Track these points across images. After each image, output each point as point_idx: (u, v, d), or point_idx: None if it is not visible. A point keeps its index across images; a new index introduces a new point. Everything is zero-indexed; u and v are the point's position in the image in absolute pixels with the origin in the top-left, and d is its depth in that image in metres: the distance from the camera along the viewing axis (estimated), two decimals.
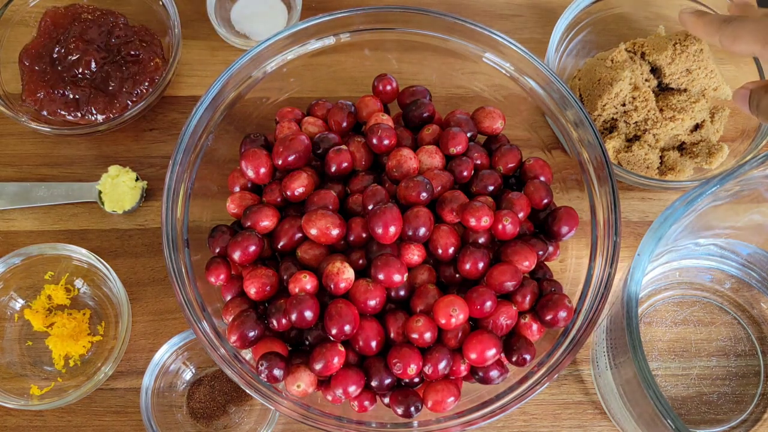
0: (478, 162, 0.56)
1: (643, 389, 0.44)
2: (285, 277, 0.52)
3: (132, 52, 0.65)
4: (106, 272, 0.59)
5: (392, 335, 0.50)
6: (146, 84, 0.64)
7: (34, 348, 0.60)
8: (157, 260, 0.63)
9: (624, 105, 0.65)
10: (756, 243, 0.60)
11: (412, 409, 0.49)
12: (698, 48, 0.64)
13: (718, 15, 0.57)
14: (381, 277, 0.49)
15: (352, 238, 0.52)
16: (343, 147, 0.55)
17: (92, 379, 0.57)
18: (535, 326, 0.51)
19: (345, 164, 0.54)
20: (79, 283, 0.62)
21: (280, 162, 0.54)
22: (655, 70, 0.66)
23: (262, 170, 0.54)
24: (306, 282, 0.49)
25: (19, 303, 0.61)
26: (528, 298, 0.51)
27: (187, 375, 0.60)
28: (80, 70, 0.63)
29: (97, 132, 0.63)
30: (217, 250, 0.54)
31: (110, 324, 0.61)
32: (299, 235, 0.52)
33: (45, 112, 0.63)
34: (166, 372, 0.57)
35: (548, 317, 0.50)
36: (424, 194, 0.51)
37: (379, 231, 0.49)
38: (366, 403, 0.50)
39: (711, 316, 0.62)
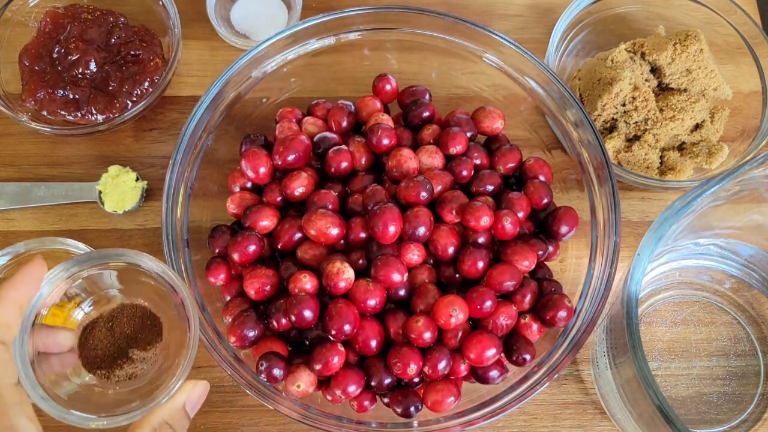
0: (478, 162, 0.56)
1: (643, 389, 0.44)
2: (285, 277, 0.52)
3: (132, 52, 0.65)
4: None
5: (392, 335, 0.50)
6: (146, 84, 0.64)
7: None
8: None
9: (624, 105, 0.64)
10: (756, 243, 0.60)
11: (412, 409, 0.49)
12: (698, 48, 0.64)
13: None
14: (381, 277, 0.49)
15: (351, 238, 0.52)
16: (343, 147, 0.55)
17: None
18: (535, 326, 0.51)
19: (345, 164, 0.54)
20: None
21: (280, 162, 0.54)
22: (655, 70, 0.66)
23: (262, 170, 0.54)
24: (306, 282, 0.49)
25: None
26: (528, 298, 0.51)
27: (79, 315, 0.48)
28: (80, 70, 0.63)
29: (97, 132, 0.63)
30: (217, 250, 0.54)
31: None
32: (299, 235, 0.52)
33: (45, 112, 0.63)
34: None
35: (548, 317, 0.50)
36: (424, 194, 0.51)
37: (379, 231, 0.49)
38: (366, 403, 0.50)
39: (711, 316, 0.62)
